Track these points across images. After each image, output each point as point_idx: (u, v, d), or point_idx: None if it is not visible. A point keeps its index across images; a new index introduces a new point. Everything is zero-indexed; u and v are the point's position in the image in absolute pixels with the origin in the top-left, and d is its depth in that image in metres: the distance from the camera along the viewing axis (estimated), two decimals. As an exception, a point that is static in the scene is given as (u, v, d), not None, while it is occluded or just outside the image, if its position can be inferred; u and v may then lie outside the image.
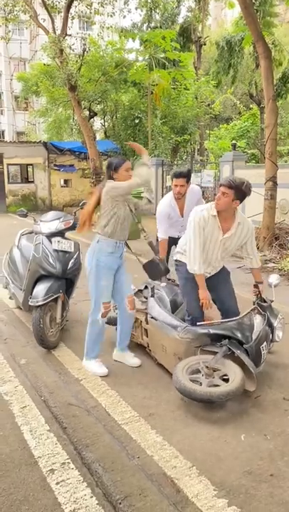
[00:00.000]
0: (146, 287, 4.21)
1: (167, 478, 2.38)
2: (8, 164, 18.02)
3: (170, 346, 3.45)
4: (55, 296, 4.05)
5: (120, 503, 2.19)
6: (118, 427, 2.86)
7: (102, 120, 20.45)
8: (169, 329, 3.49)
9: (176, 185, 4.55)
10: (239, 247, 3.68)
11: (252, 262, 3.73)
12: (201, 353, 3.33)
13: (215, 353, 3.27)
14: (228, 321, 3.44)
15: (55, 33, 14.74)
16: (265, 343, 3.35)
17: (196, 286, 3.60)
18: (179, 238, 4.79)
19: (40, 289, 4.03)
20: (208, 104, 18.74)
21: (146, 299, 4.04)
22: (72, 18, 15.51)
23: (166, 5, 20.08)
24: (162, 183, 15.00)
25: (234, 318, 3.43)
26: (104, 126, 20.49)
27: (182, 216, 4.71)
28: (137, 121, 17.92)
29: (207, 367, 3.11)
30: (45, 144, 18.10)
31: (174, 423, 2.92)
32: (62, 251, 4.22)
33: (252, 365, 3.13)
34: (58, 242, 4.24)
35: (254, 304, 3.62)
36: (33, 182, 18.42)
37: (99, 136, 20.22)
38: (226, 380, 3.08)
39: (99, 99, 17.35)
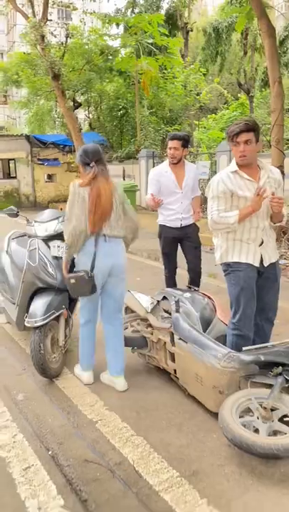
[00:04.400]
0: (164, 298, 3.48)
1: None
2: (-13, 159, 17.06)
3: (208, 377, 2.74)
4: (57, 313, 3.30)
5: None
6: (156, 497, 2.14)
7: (87, 111, 19.56)
8: (205, 355, 2.76)
9: (170, 148, 4.25)
10: None
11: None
12: (250, 386, 2.63)
13: (267, 385, 2.58)
14: (278, 344, 2.75)
15: (35, 17, 13.82)
16: None
17: (252, 298, 2.94)
18: (183, 228, 4.31)
19: (39, 305, 3.27)
20: (198, 94, 18.01)
21: (167, 312, 3.32)
22: (53, 3, 14.61)
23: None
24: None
25: (286, 341, 2.74)
26: (88, 117, 19.62)
27: (181, 188, 4.25)
28: (123, 111, 17.11)
29: (264, 407, 2.41)
30: (27, 137, 17.15)
31: (228, 485, 2.21)
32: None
33: None
34: (58, 247, 3.47)
35: None
36: (15, 177, 17.48)
37: (84, 128, 19.31)
38: (287, 423, 2.39)
39: (83, 89, 16.48)
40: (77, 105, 17.08)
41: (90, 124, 19.29)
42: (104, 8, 19.59)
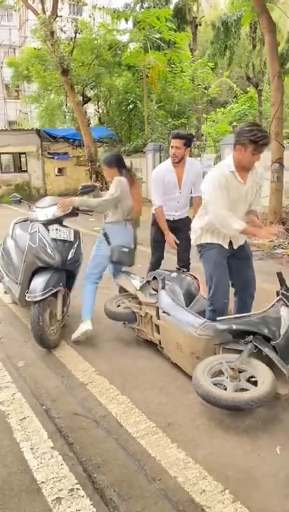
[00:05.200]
0: (154, 278, 3.80)
1: (196, 506, 1.99)
2: (0, 153, 17.47)
3: (186, 344, 3.05)
4: (55, 290, 3.63)
5: None
6: (133, 441, 2.46)
7: (96, 106, 19.86)
8: (184, 325, 3.08)
9: (172, 147, 4.22)
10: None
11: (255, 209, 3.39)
12: (222, 352, 2.93)
13: (239, 351, 2.88)
14: (252, 315, 3.04)
15: (45, 13, 14.13)
16: None
17: (225, 272, 3.23)
18: (175, 221, 4.45)
19: (38, 282, 3.60)
20: (205, 87, 18.17)
21: (156, 291, 3.63)
22: (63, -1, 14.90)
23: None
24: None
25: (258, 312, 3.03)
26: (98, 112, 19.91)
27: (180, 188, 4.34)
28: (132, 106, 17.36)
29: (232, 368, 2.71)
30: (38, 132, 17.54)
31: (198, 434, 2.53)
32: (61, 240, 3.79)
33: (283, 364, 2.73)
34: (56, 230, 3.80)
35: (278, 295, 3.21)
36: (26, 171, 17.89)
37: (93, 122, 19.63)
38: (254, 383, 2.68)
39: (92, 84, 16.78)
40: (87, 100, 17.39)
41: (99, 119, 19.57)
42: (114, 3, 19.74)
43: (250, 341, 2.86)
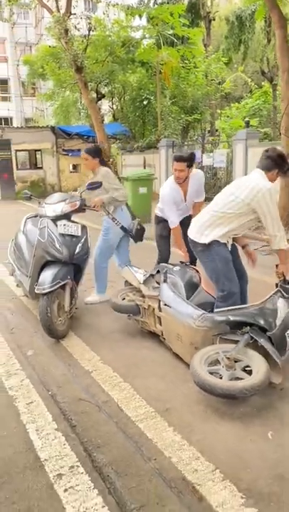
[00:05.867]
0: (158, 272, 3.93)
1: (188, 483, 2.12)
2: (16, 150, 17.76)
3: (186, 335, 3.17)
4: (63, 282, 3.79)
5: (136, 514, 1.95)
6: (132, 425, 2.60)
7: (110, 102, 19.98)
8: (184, 317, 3.20)
9: (175, 170, 4.29)
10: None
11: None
12: (220, 342, 3.05)
13: (236, 341, 2.99)
14: (249, 306, 3.15)
15: (59, 12, 14.27)
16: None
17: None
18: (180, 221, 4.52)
19: (47, 275, 3.77)
20: (219, 83, 18.14)
21: (159, 284, 3.76)
22: (77, -4, 15.01)
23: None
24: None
25: (256, 304, 3.13)
26: (112, 108, 20.03)
27: (185, 201, 4.48)
28: (145, 102, 17.44)
29: (228, 358, 2.83)
30: (52, 129, 17.79)
31: (193, 419, 2.66)
32: (68, 235, 3.95)
33: (277, 354, 2.84)
34: (64, 225, 3.96)
35: (277, 287, 3.31)
36: (41, 168, 18.16)
37: (107, 119, 19.78)
38: (249, 372, 2.79)
39: (106, 81, 16.90)
40: (101, 96, 17.52)
41: (113, 115, 19.71)
42: (127, 0, 19.78)
43: (247, 332, 2.97)
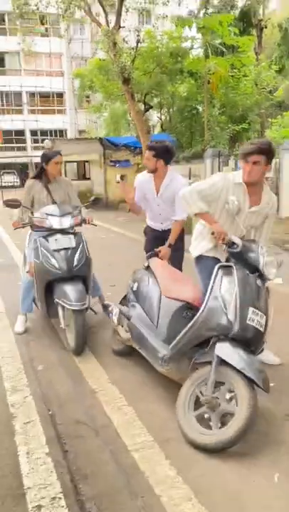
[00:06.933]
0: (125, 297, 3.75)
1: (173, 529, 1.91)
2: (66, 162, 18.15)
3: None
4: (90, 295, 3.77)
5: None
6: (127, 454, 2.42)
7: (159, 113, 20.03)
8: (153, 361, 3.03)
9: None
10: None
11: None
12: (193, 367, 2.72)
13: (209, 362, 2.61)
14: (194, 323, 2.69)
15: (108, 25, 14.52)
16: (251, 308, 2.57)
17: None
18: (164, 231, 4.08)
19: (69, 290, 3.68)
20: (270, 91, 17.66)
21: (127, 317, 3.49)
22: (127, 10, 15.20)
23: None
24: (219, 175, 14.29)
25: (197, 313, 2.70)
26: (160, 119, 20.07)
27: (157, 194, 3.91)
28: (193, 112, 17.31)
29: (206, 401, 2.52)
30: (100, 140, 18.03)
31: (194, 453, 2.42)
32: (63, 249, 3.85)
33: (247, 370, 2.42)
34: (56, 240, 3.89)
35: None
36: (89, 178, 18.43)
37: (156, 130, 19.82)
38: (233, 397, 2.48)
39: (154, 92, 16.95)
40: (149, 107, 17.59)
41: (161, 126, 19.73)
42: (179, 11, 19.79)
43: (213, 349, 2.58)
